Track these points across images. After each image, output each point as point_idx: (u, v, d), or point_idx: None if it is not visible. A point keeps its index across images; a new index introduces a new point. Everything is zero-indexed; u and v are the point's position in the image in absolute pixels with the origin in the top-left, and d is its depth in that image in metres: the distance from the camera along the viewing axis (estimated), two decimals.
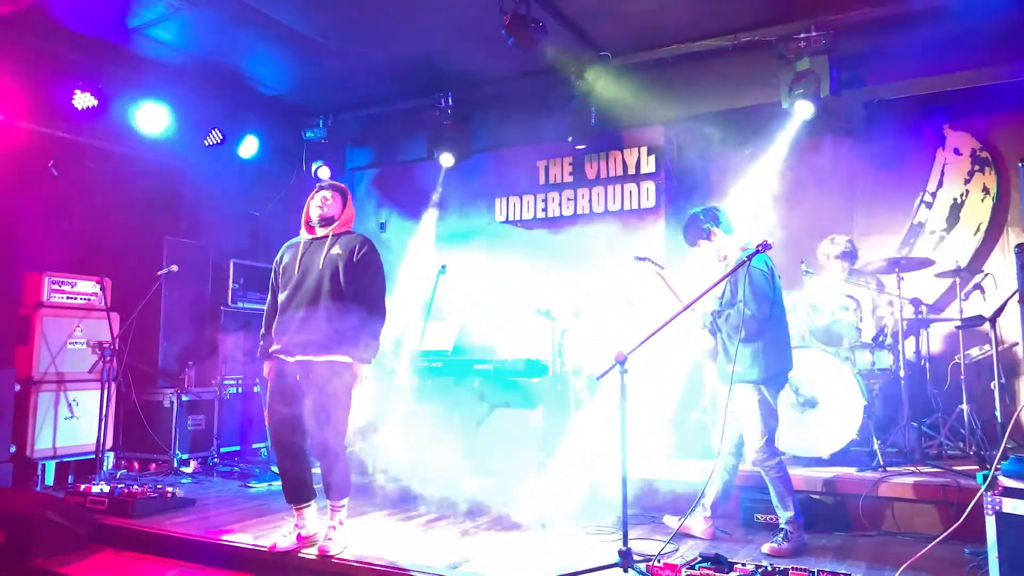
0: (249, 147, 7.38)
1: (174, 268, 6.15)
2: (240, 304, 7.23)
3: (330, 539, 3.86)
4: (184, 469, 6.25)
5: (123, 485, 5.06)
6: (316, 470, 4.11)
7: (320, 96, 7.42)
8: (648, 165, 6.68)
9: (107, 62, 6.21)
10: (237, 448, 6.98)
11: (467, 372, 6.17)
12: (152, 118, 6.48)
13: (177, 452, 6.30)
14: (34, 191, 6.07)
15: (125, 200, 6.66)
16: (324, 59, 6.50)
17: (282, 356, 3.91)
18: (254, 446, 7.13)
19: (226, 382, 6.91)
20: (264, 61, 6.73)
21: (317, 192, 4.10)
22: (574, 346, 6.14)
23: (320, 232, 4.02)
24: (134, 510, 4.65)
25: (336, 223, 4.02)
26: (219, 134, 6.98)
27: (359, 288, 3.92)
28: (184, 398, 6.43)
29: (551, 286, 6.57)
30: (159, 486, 5.13)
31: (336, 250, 3.93)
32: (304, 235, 4.08)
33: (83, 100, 6.01)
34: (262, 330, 4.13)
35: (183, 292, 6.80)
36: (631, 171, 6.76)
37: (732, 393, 3.79)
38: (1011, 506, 2.67)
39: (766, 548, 3.84)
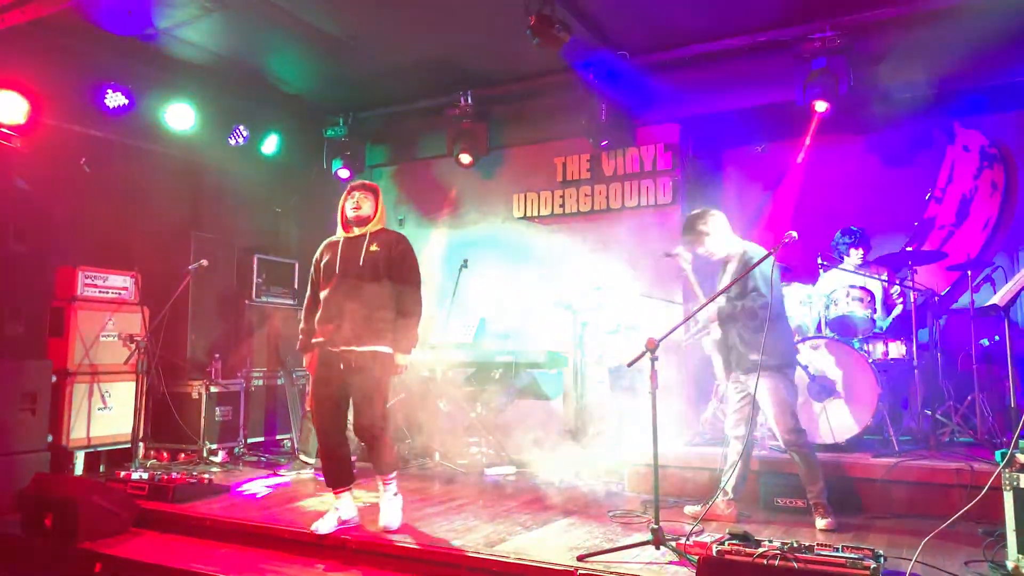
0: (271, 145, 7.56)
1: (204, 263, 6.30)
2: (264, 299, 7.39)
3: (390, 513, 4.13)
4: (212, 459, 6.41)
5: (161, 472, 5.22)
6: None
7: (341, 95, 7.58)
8: (664, 162, 6.83)
9: (138, 62, 6.39)
10: (262, 439, 7.14)
11: (489, 363, 6.33)
12: (179, 116, 6.67)
13: (205, 442, 6.46)
14: (67, 187, 6.23)
15: (153, 196, 6.83)
16: (346, 58, 6.66)
17: (327, 347, 4.11)
18: (278, 437, 7.30)
19: (252, 374, 7.08)
20: (288, 60, 6.89)
21: (350, 194, 4.29)
22: (594, 338, 6.30)
23: (357, 231, 4.23)
24: (173, 495, 4.81)
25: (372, 222, 4.25)
26: (244, 132, 7.15)
27: (397, 283, 4.18)
28: (212, 390, 6.59)
29: (570, 280, 6.73)
30: (195, 473, 5.29)
31: (374, 247, 4.16)
32: (341, 233, 4.29)
33: (114, 99, 6.20)
34: (301, 324, 4.31)
35: (209, 286, 6.96)
36: (648, 167, 6.91)
37: (759, 381, 3.98)
38: None
39: (822, 524, 4.01)
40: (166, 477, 4.99)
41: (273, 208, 8.12)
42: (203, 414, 6.49)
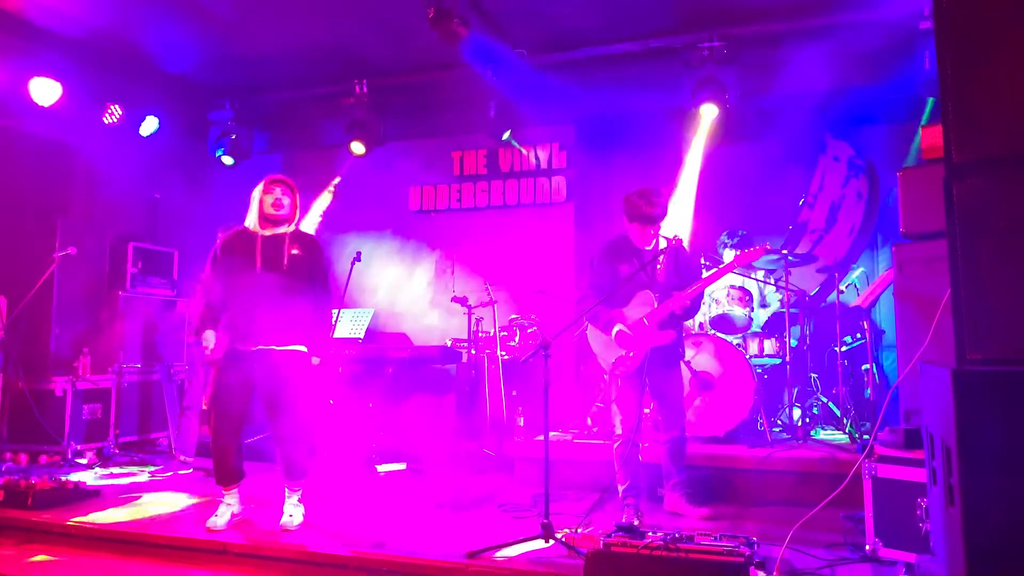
0: (150, 126, 7.11)
1: (71, 251, 5.86)
2: (139, 289, 6.95)
3: (291, 515, 4.06)
4: (79, 460, 5.98)
5: (19, 476, 4.82)
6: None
7: (229, 77, 7.21)
8: (559, 161, 6.94)
9: None
10: (136, 438, 6.73)
11: (380, 358, 6.23)
12: (44, 91, 6.14)
13: (71, 443, 6.01)
14: None
15: (14, 178, 6.27)
16: (234, 38, 6.35)
17: (238, 344, 4.00)
18: (154, 435, 6.89)
19: (125, 370, 6.65)
20: (169, 37, 6.47)
21: (270, 189, 4.14)
22: (488, 333, 6.33)
23: (275, 231, 4.14)
24: (33, 501, 4.45)
25: (293, 223, 4.20)
26: (118, 110, 6.69)
27: (315, 285, 4.19)
28: (79, 386, 6.15)
29: (465, 275, 6.73)
30: (59, 477, 4.92)
31: (295, 251, 4.14)
32: (256, 227, 4.14)
33: None
34: (197, 321, 4.15)
35: (78, 276, 6.48)
36: (543, 166, 7.00)
37: (672, 370, 4.21)
38: (886, 471, 3.06)
39: (703, 514, 4.16)
40: (24, 482, 4.61)
41: (152, 194, 7.64)
42: (68, 413, 6.04)
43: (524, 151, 6.99)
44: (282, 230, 4.16)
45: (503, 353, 6.10)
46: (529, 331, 6.33)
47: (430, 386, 6.38)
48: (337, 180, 7.45)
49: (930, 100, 5.91)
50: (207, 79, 7.26)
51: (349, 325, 6.62)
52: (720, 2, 5.69)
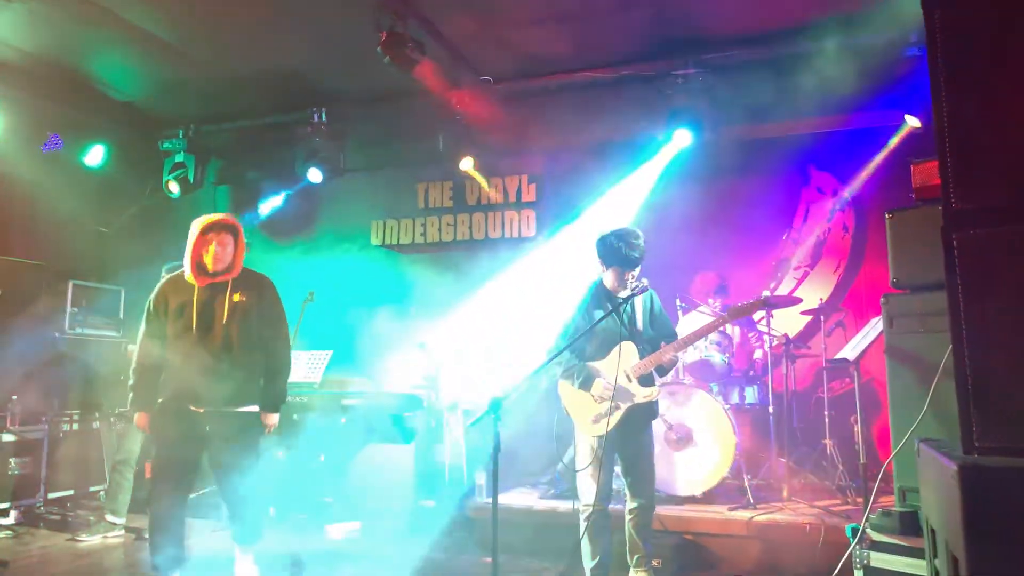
0: (96, 156, 6.71)
1: None
2: (79, 330, 6.48)
3: None
4: (3, 521, 5.47)
5: None
6: None
7: (180, 105, 6.85)
8: (529, 193, 6.58)
9: None
10: (71, 492, 6.21)
11: (336, 406, 5.79)
12: None
13: None
14: None
15: None
16: (185, 66, 6.02)
17: (182, 405, 3.66)
18: (91, 489, 6.37)
19: (61, 418, 6.16)
20: (114, 64, 6.13)
21: (204, 240, 3.71)
22: (450, 380, 5.89)
23: (215, 280, 3.75)
24: None
25: (232, 268, 3.78)
26: (58, 140, 6.29)
27: (266, 336, 3.83)
28: (5, 437, 5.65)
29: (429, 315, 6.31)
30: None
31: (238, 296, 3.76)
32: (191, 279, 3.72)
33: None
34: (133, 378, 3.76)
35: (10, 316, 6.01)
36: (511, 198, 6.64)
37: (645, 433, 3.76)
38: (880, 560, 2.65)
39: None
40: None
41: (97, 228, 7.20)
42: None
43: (486, 184, 6.60)
44: (224, 277, 3.77)
45: (465, 401, 5.66)
46: (497, 375, 5.91)
47: (387, 435, 5.91)
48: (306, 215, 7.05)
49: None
50: (158, 108, 6.89)
51: (305, 368, 6.16)
52: (694, 28, 5.38)
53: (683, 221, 5.94)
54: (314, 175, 6.58)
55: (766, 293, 3.74)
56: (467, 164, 6.26)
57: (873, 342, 3.65)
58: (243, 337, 3.73)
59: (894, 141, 5.65)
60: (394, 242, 7.02)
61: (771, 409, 5.06)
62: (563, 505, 4.87)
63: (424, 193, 6.95)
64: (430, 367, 5.84)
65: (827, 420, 5.04)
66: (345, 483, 5.70)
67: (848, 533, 2.77)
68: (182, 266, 3.78)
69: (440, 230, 6.87)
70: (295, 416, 5.88)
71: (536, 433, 5.67)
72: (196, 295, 3.72)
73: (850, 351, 3.75)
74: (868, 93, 5.56)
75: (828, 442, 5.05)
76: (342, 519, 5.49)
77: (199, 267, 3.72)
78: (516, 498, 5.26)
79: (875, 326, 3.73)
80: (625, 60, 5.69)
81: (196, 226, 3.73)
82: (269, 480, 5.58)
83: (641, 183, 6.19)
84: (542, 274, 6.34)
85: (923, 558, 2.47)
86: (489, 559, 4.08)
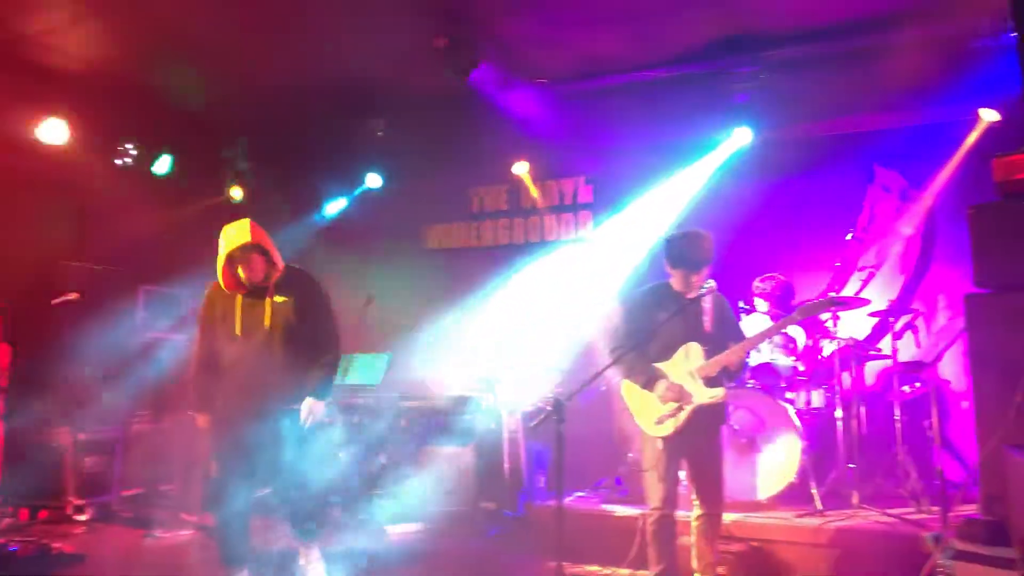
0: (163, 164, 6.94)
1: (72, 296, 5.63)
2: (149, 334, 6.70)
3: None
4: (78, 517, 5.68)
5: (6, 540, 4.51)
6: None
7: (242, 114, 7.02)
8: (585, 195, 6.55)
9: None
10: (143, 490, 6.41)
11: (395, 409, 5.85)
12: (52, 130, 5.99)
13: (70, 498, 5.72)
14: None
15: (22, 219, 6.11)
16: (247, 76, 6.16)
17: (236, 408, 3.76)
18: (163, 488, 6.57)
19: (134, 418, 6.37)
20: (182, 75, 6.32)
21: (231, 264, 3.73)
22: (508, 382, 5.90)
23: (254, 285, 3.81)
24: (7, 572, 4.13)
25: (271, 274, 3.82)
26: (130, 150, 6.52)
27: (312, 331, 3.86)
28: (81, 437, 5.87)
29: (486, 317, 6.33)
30: (44, 541, 4.59)
31: (280, 298, 3.80)
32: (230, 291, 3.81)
33: None
34: (192, 382, 3.91)
35: (86, 321, 6.24)
36: (568, 200, 6.62)
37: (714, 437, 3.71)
38: (964, 571, 2.54)
39: None
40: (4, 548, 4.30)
41: (164, 235, 7.42)
42: (68, 465, 5.75)
43: (536, 191, 6.59)
44: (261, 283, 3.81)
45: (525, 402, 5.66)
46: (556, 376, 5.89)
47: (446, 437, 5.95)
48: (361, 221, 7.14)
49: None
50: (221, 117, 7.07)
51: (365, 371, 6.25)
52: (754, 25, 5.28)
53: (742, 221, 5.83)
54: (373, 180, 6.68)
55: (833, 294, 3.60)
56: (521, 168, 6.27)
57: (950, 344, 3.51)
58: (288, 338, 3.78)
59: (973, 137, 5.42)
60: (448, 246, 7.07)
61: (839, 413, 4.91)
62: (626, 509, 4.82)
63: (478, 198, 6.98)
64: (488, 369, 5.86)
65: (898, 425, 4.87)
66: (406, 484, 5.76)
67: (930, 542, 2.67)
68: None
69: (495, 233, 6.89)
70: (356, 418, 5.97)
71: (595, 436, 5.64)
72: (239, 301, 3.81)
73: (926, 354, 3.62)
74: (935, 87, 5.38)
75: (900, 448, 4.87)
76: (403, 520, 5.54)
77: (236, 283, 3.79)
78: (577, 501, 5.23)
79: (953, 328, 3.59)
80: (683, 58, 5.62)
81: (221, 248, 3.72)
82: (331, 481, 5.70)
83: (699, 182, 6.10)
84: (599, 276, 6.30)
85: (1013, 568, 2.36)
86: (553, 563, 4.09)
